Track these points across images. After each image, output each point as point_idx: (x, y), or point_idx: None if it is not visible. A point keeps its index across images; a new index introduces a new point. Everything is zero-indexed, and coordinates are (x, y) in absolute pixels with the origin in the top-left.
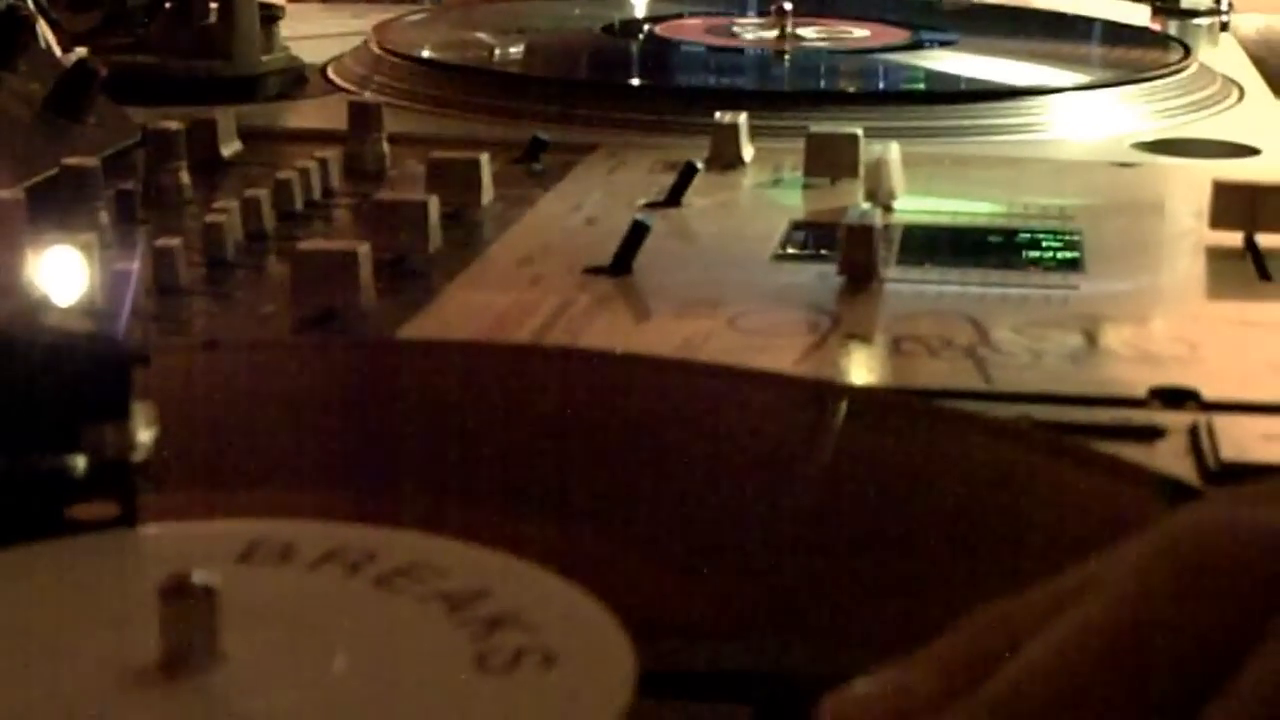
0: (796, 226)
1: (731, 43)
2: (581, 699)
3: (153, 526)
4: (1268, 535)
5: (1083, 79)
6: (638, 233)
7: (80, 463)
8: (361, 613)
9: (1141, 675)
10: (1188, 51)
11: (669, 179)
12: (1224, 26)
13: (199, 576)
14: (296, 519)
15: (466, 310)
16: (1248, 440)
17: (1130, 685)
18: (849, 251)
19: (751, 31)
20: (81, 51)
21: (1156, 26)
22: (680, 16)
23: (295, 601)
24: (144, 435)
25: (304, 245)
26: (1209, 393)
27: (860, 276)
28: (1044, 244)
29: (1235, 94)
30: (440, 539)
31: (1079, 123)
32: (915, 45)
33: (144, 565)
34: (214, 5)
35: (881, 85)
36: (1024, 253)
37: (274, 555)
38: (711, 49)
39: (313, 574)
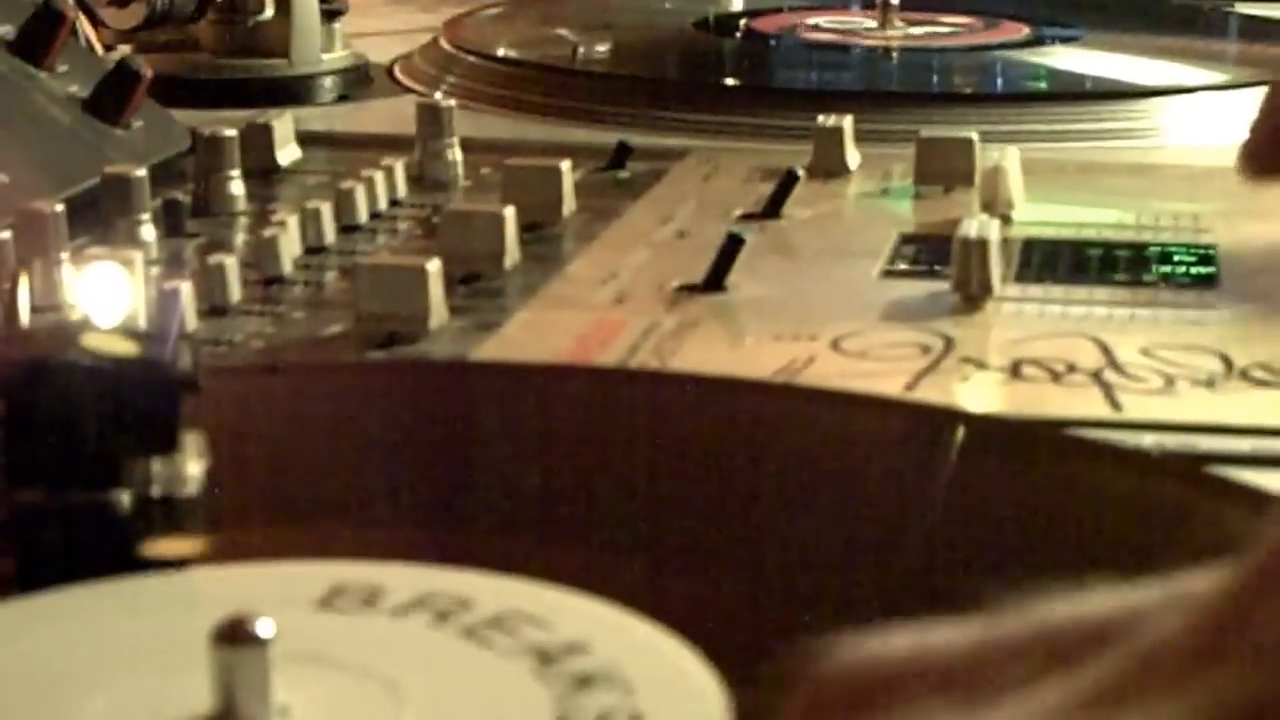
0: (906, 240)
1: (835, 39)
2: None
3: (218, 568)
4: None
5: (1219, 78)
6: (733, 246)
7: (125, 498)
8: (441, 666)
9: None
10: None
11: (767, 188)
12: None
13: (254, 622)
14: (373, 560)
15: (545, 331)
16: None
17: None
18: (963, 267)
19: (857, 27)
20: (125, 50)
21: None
22: (779, 10)
23: (371, 651)
24: (194, 468)
25: (369, 260)
26: None
27: (976, 294)
28: (1176, 258)
29: None
30: (539, 585)
31: (1214, 126)
32: (1035, 41)
33: (206, 609)
34: None
35: (999, 85)
36: (1154, 268)
37: (357, 600)
38: (813, 46)
39: (397, 622)
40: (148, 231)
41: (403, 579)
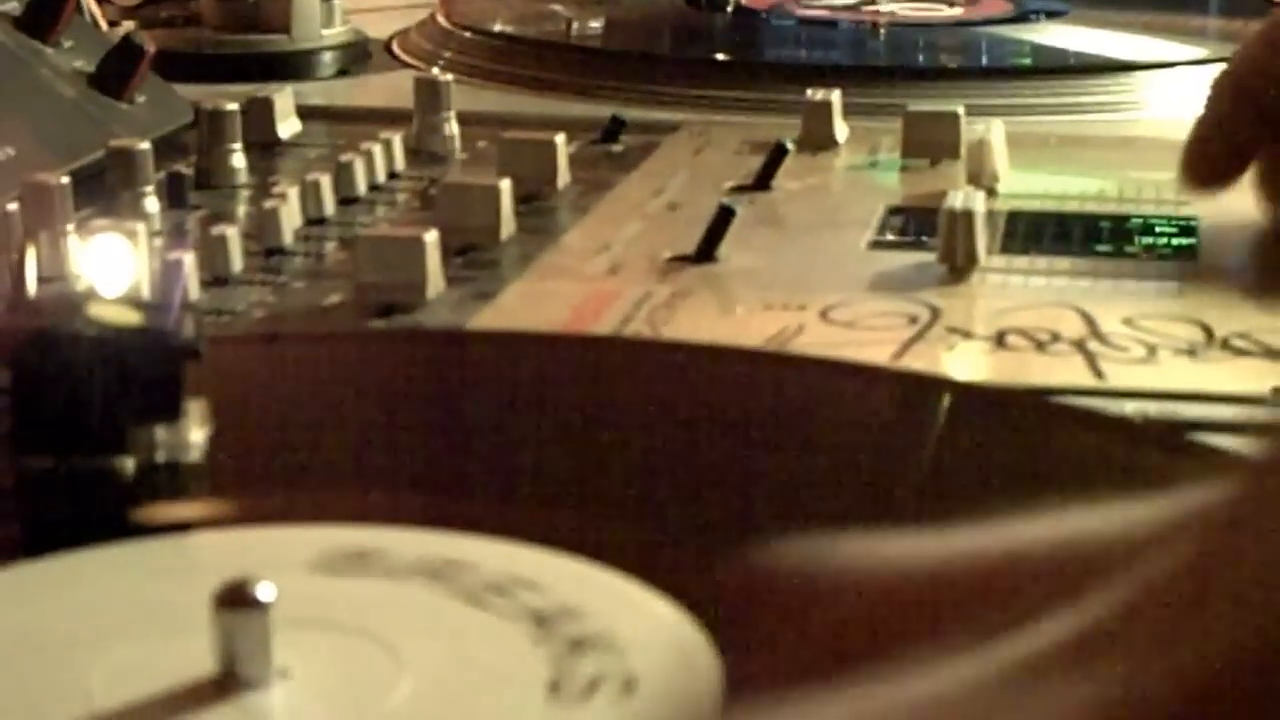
0: (893, 211)
1: (824, 15)
2: None
3: (220, 532)
4: None
5: (1200, 53)
6: (724, 218)
7: (129, 465)
8: (440, 629)
9: None
10: None
11: (757, 161)
12: None
13: (255, 586)
14: (372, 524)
15: (540, 301)
16: None
17: None
18: (949, 238)
19: (846, 3)
20: (129, 26)
21: None
22: None
23: (370, 614)
24: (196, 435)
25: (367, 232)
26: None
27: (961, 265)
28: (1158, 229)
29: None
30: (535, 549)
31: (1195, 99)
32: (1020, 17)
33: (208, 572)
34: None
35: (984, 60)
36: (1137, 239)
37: (353, 563)
38: (803, 22)
39: (396, 585)
40: (151, 203)
41: (403, 543)
